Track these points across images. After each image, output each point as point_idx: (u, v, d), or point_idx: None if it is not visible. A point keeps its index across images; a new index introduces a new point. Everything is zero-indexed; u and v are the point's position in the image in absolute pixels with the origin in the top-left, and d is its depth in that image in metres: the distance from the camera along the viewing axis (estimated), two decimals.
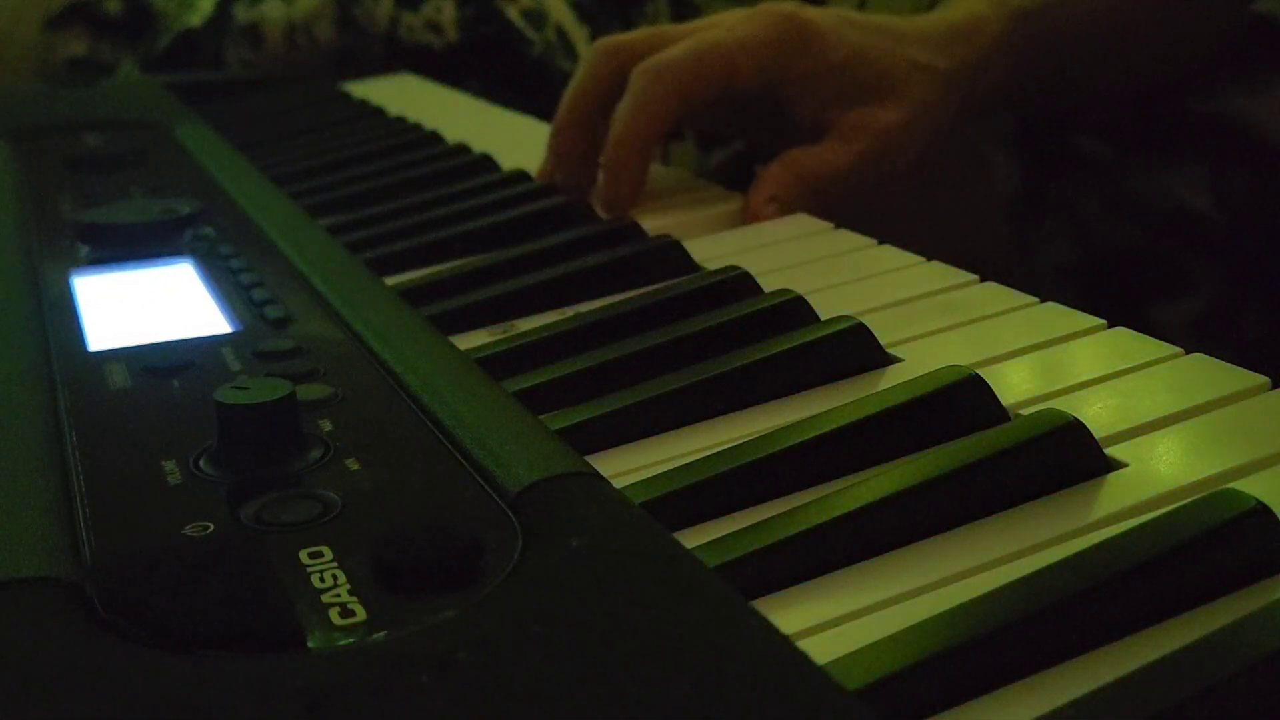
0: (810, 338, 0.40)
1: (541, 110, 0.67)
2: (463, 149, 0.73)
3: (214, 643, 0.24)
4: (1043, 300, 0.44)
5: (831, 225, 0.55)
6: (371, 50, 1.23)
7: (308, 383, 0.37)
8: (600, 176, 0.60)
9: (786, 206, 0.58)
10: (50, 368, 0.39)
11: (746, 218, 0.58)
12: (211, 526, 0.29)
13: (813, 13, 0.61)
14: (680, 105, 0.59)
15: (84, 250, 0.53)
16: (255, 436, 0.32)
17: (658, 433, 0.37)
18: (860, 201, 0.61)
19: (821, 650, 0.25)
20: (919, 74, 0.60)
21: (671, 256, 0.51)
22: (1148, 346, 0.40)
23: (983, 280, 0.47)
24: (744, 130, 0.72)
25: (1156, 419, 0.35)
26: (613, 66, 0.62)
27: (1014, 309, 0.44)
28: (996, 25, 0.63)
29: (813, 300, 0.44)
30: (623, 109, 0.59)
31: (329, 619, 0.25)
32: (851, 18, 0.62)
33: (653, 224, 0.55)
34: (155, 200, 0.59)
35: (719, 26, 0.60)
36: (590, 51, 0.64)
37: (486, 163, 0.69)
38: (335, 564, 0.27)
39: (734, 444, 0.35)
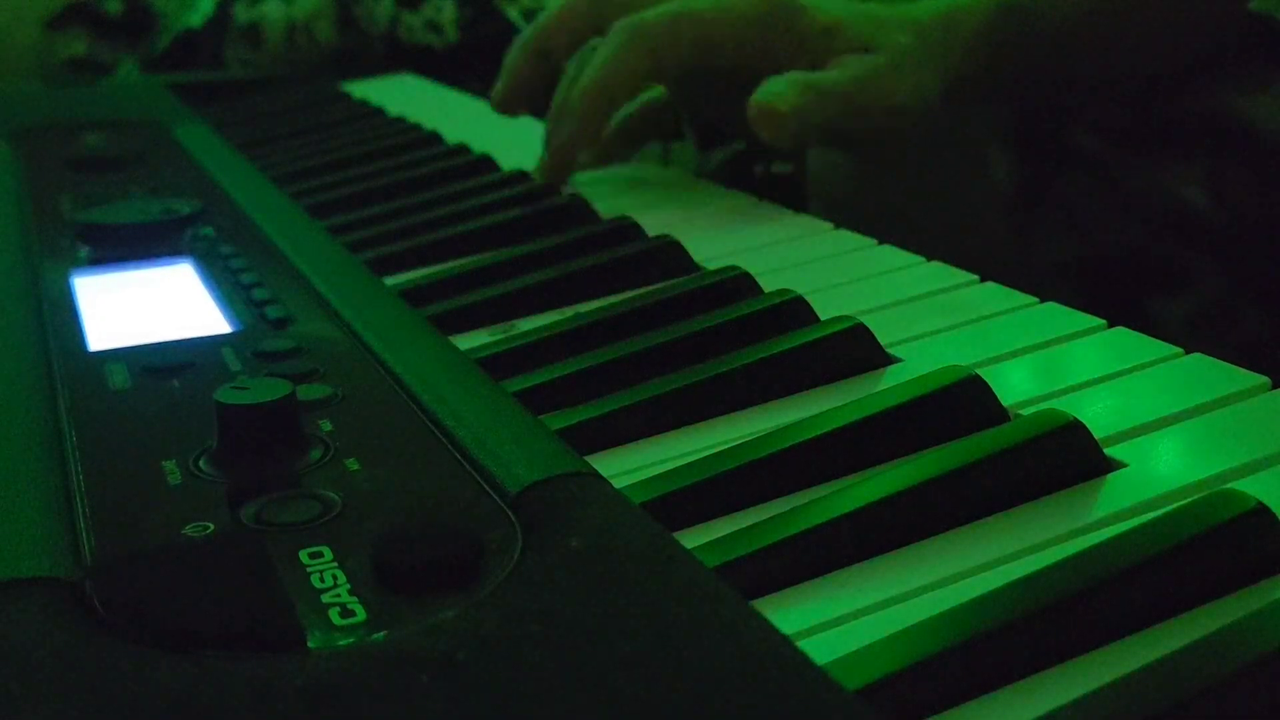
0: (810, 338, 0.40)
1: (541, 110, 0.68)
2: (463, 149, 0.73)
3: (214, 643, 0.24)
4: (1042, 298, 0.44)
5: (831, 225, 0.56)
6: (371, 50, 1.23)
7: (308, 383, 0.37)
8: (552, 123, 0.60)
9: (795, 109, 0.57)
10: (50, 368, 0.39)
11: (756, 111, 0.57)
12: (211, 526, 0.29)
13: None
14: (652, 67, 0.59)
15: (84, 250, 0.53)
16: (255, 436, 0.32)
17: (658, 433, 0.37)
18: (861, 190, 0.60)
19: (821, 650, 0.25)
20: (901, 50, 0.60)
21: (671, 256, 0.51)
22: (1148, 346, 0.40)
23: (982, 279, 0.47)
24: (730, 117, 0.73)
25: (1156, 419, 0.35)
26: (589, 8, 0.62)
27: (1014, 309, 0.44)
28: (980, 16, 0.63)
29: (813, 300, 0.44)
30: (595, 61, 0.59)
31: (329, 619, 0.25)
32: None
33: (653, 224, 0.55)
34: (155, 200, 0.59)
35: None
36: None
37: (486, 163, 0.70)
38: (335, 564, 0.27)
39: (734, 444, 0.35)
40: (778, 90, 0.57)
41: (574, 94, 0.60)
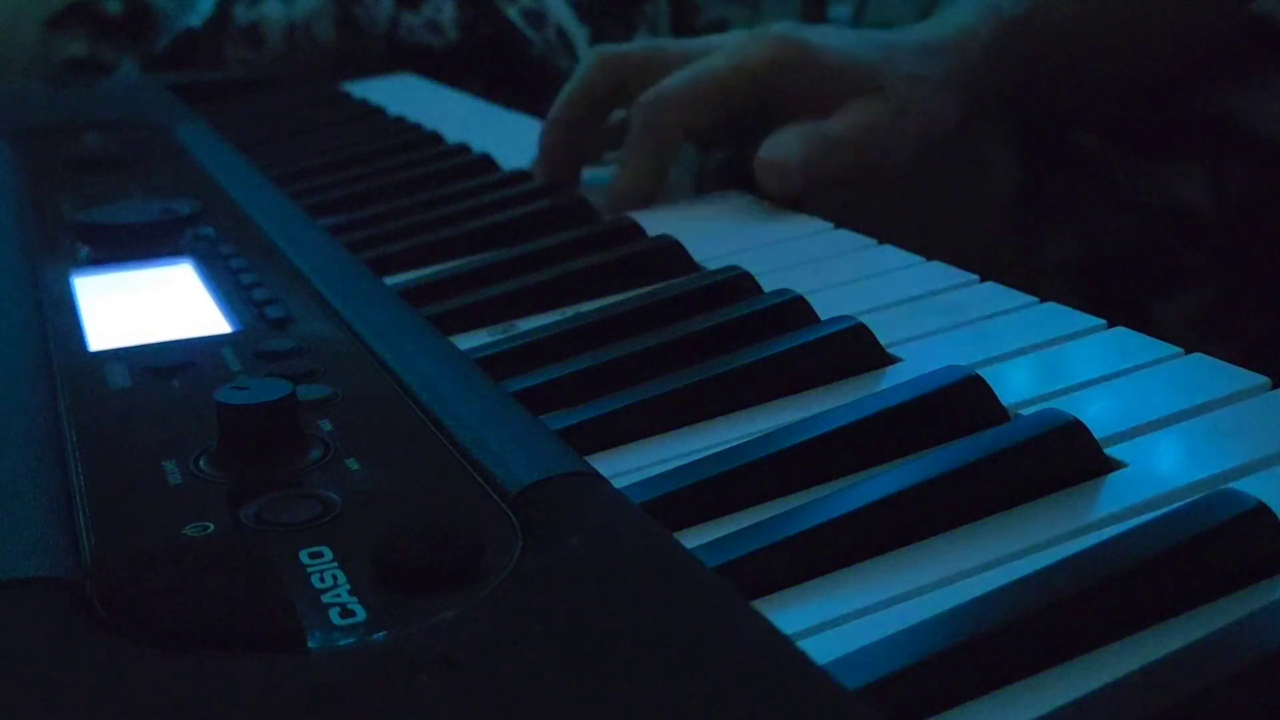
0: (810, 338, 0.40)
1: (541, 110, 0.68)
2: (463, 149, 0.73)
3: (214, 643, 0.24)
4: (1043, 298, 0.44)
5: (831, 225, 0.56)
6: (371, 50, 1.22)
7: (308, 383, 0.37)
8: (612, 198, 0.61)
9: (804, 162, 0.58)
10: (50, 368, 0.39)
11: (763, 168, 0.58)
12: (211, 526, 0.29)
13: (807, 31, 0.61)
14: (684, 135, 0.61)
15: (84, 250, 0.53)
16: (255, 436, 0.32)
17: (658, 433, 0.37)
18: (862, 195, 0.61)
19: (821, 650, 0.25)
20: (910, 83, 0.61)
21: (671, 256, 0.51)
22: (1148, 346, 0.40)
23: (982, 279, 0.47)
24: (741, 143, 0.73)
25: (1156, 419, 0.35)
26: (608, 75, 0.64)
27: (1014, 309, 0.44)
28: (987, 35, 0.63)
29: (813, 300, 0.44)
30: (629, 150, 0.61)
31: (329, 619, 0.25)
32: (843, 32, 0.63)
33: (653, 224, 0.55)
34: (155, 200, 0.59)
35: (718, 52, 0.61)
36: (587, 59, 0.65)
37: (486, 163, 0.70)
38: (335, 564, 0.27)
39: (734, 444, 0.35)
40: (784, 143, 0.58)
41: (617, 188, 0.61)
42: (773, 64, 0.60)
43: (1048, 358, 0.40)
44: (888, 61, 0.61)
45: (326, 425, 0.34)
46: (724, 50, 0.61)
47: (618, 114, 0.67)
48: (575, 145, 0.65)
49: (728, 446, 0.35)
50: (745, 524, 0.31)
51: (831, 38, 0.61)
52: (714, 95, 0.60)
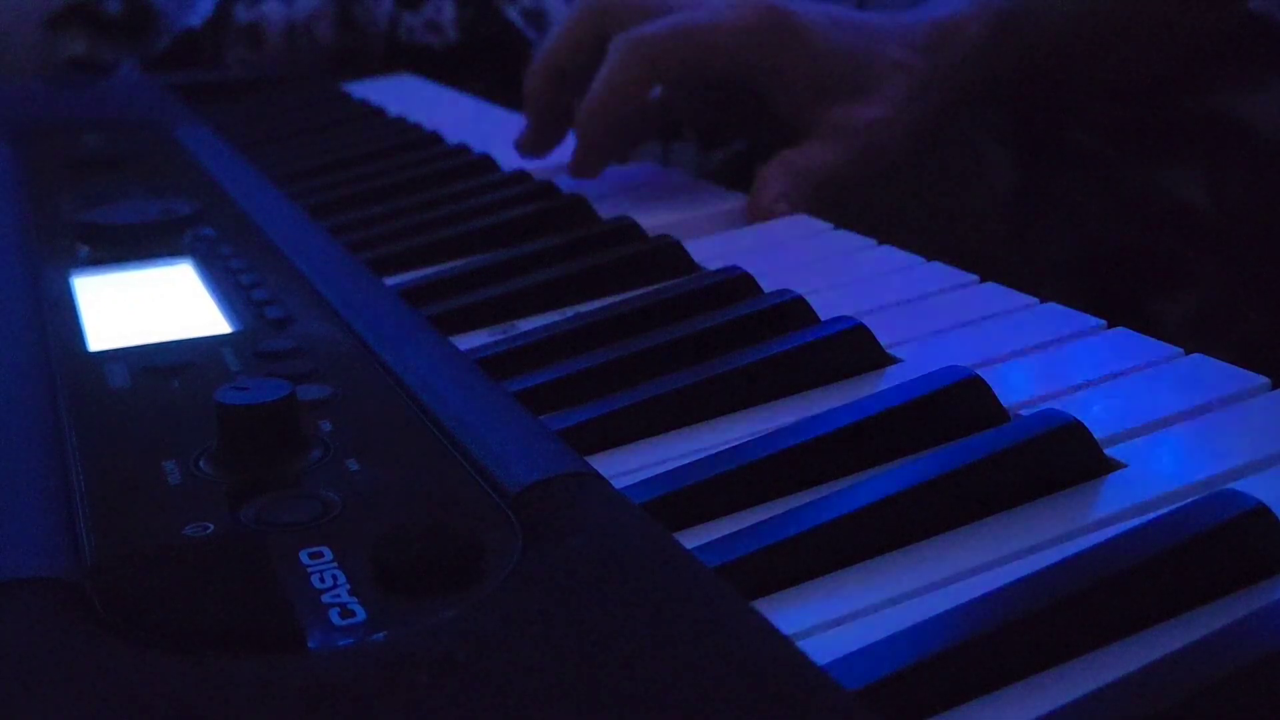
0: (810, 338, 0.40)
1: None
2: (463, 149, 0.73)
3: (214, 643, 0.24)
4: (1043, 298, 0.44)
5: (831, 225, 0.55)
6: (371, 50, 1.23)
7: (308, 383, 0.37)
8: (576, 144, 0.61)
9: (794, 205, 0.58)
10: (50, 368, 0.39)
11: (756, 217, 0.58)
12: (211, 526, 0.29)
13: (797, 7, 0.61)
14: (652, 79, 0.60)
15: (84, 250, 0.53)
16: (255, 436, 0.32)
17: (658, 433, 0.37)
18: (861, 198, 0.61)
19: (821, 650, 0.25)
20: (898, 73, 0.60)
21: (671, 256, 0.51)
22: (1148, 346, 0.40)
23: (982, 279, 0.47)
24: (730, 123, 0.73)
25: (1156, 419, 0.35)
26: (593, 25, 0.63)
27: (1014, 309, 0.44)
28: (978, 24, 0.63)
29: (813, 300, 0.44)
30: (598, 80, 0.60)
31: (329, 619, 0.25)
32: (834, 15, 0.62)
33: (653, 224, 0.55)
34: (155, 200, 0.59)
35: (704, 8, 0.60)
36: (573, 8, 0.64)
37: (486, 163, 0.69)
38: (335, 564, 0.27)
39: (734, 444, 0.35)
40: (775, 186, 0.58)
41: (579, 115, 0.60)
42: (758, 34, 0.59)
43: (1048, 358, 0.40)
44: (875, 49, 0.60)
45: (326, 425, 0.34)
46: (711, 6, 0.60)
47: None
48: (559, 95, 0.64)
49: (728, 446, 0.35)
50: (745, 524, 0.31)
51: (819, 19, 0.61)
52: (690, 47, 0.59)
